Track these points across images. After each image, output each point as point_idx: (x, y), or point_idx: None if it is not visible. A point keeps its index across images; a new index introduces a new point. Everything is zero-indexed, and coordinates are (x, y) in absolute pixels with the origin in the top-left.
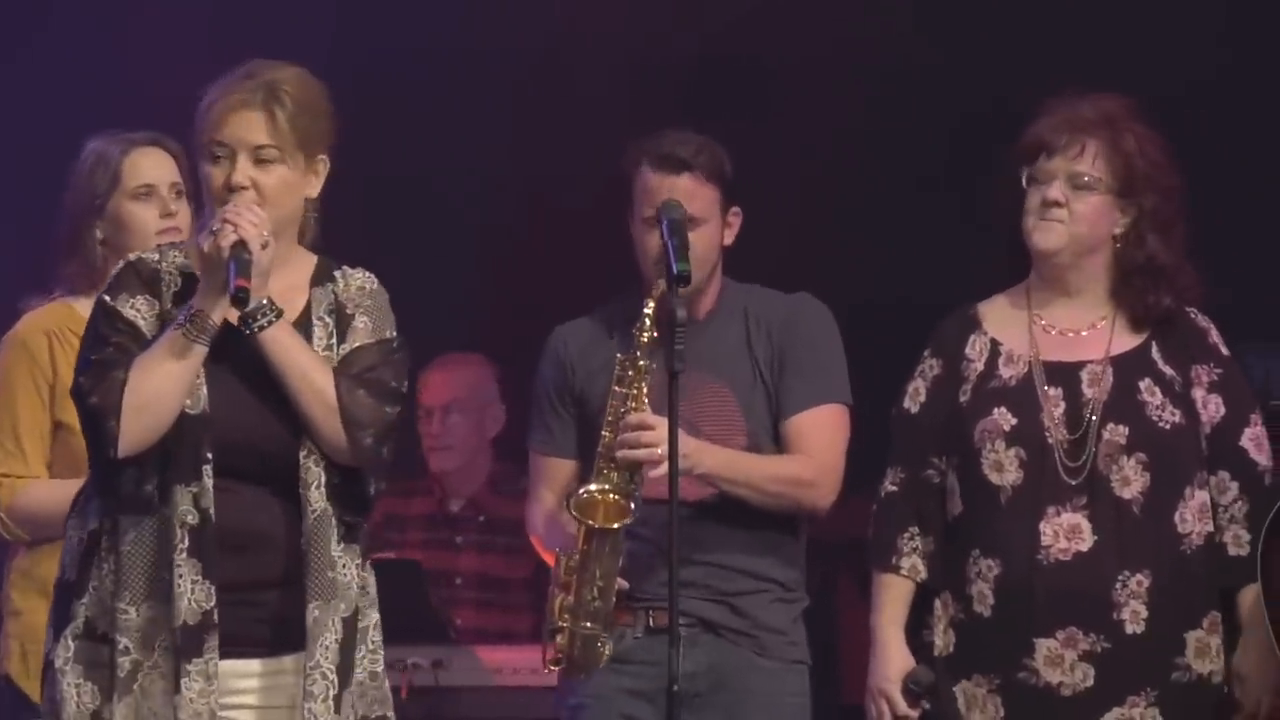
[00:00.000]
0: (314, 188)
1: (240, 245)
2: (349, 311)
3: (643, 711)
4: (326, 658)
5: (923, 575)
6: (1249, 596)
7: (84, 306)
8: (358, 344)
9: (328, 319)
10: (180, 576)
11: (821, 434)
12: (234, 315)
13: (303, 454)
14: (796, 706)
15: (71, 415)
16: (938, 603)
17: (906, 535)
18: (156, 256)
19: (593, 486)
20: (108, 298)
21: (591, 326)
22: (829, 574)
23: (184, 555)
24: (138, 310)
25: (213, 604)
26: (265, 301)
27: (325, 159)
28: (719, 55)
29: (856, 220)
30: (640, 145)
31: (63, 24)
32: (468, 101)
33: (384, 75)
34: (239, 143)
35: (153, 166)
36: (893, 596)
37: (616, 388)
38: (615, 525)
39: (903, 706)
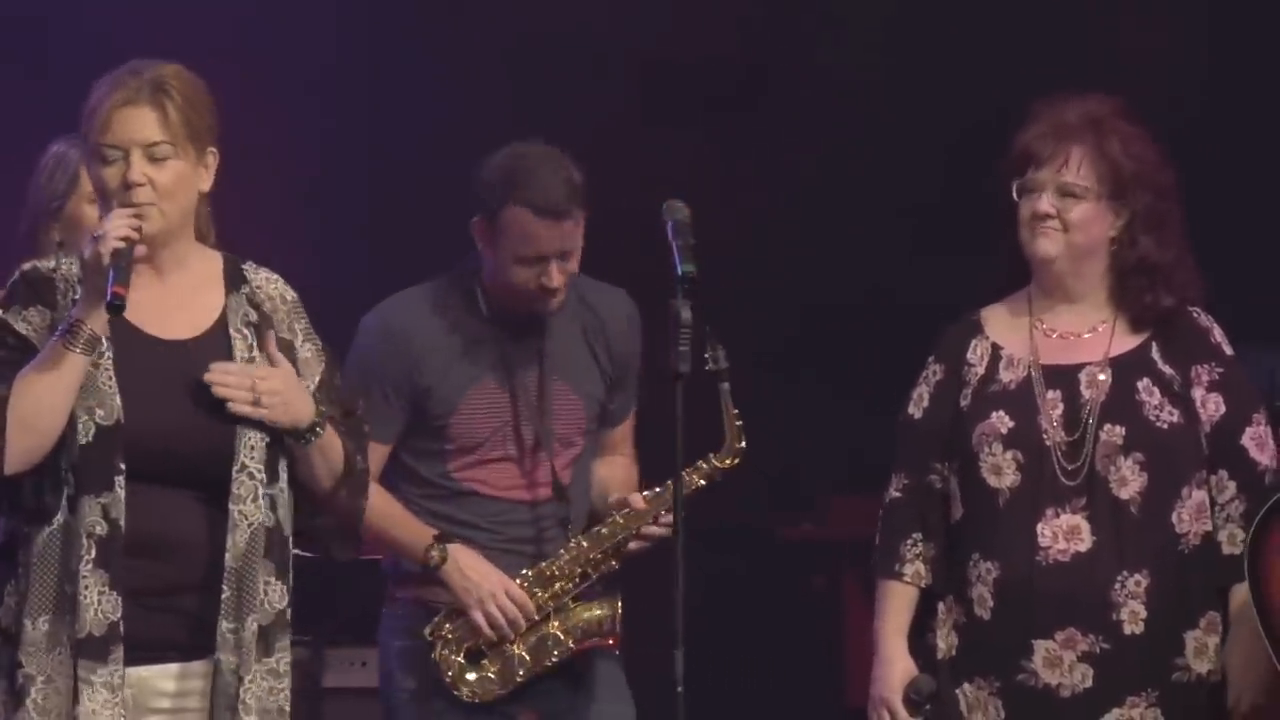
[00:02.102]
0: (206, 181)
1: (121, 252)
2: (279, 330)
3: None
4: (245, 664)
5: (926, 580)
6: (1239, 595)
7: None
8: (318, 379)
9: (246, 331)
10: (86, 588)
11: (632, 438)
12: (102, 324)
13: (236, 468)
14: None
15: None
16: (940, 606)
17: (909, 541)
18: (52, 264)
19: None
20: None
21: (429, 314)
22: (834, 575)
23: (90, 566)
24: (29, 322)
25: (119, 615)
26: (316, 419)
27: (214, 151)
28: (722, 58)
29: (862, 221)
30: (512, 182)
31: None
32: (469, 99)
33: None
34: (131, 141)
35: None
36: (896, 604)
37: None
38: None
39: (904, 716)
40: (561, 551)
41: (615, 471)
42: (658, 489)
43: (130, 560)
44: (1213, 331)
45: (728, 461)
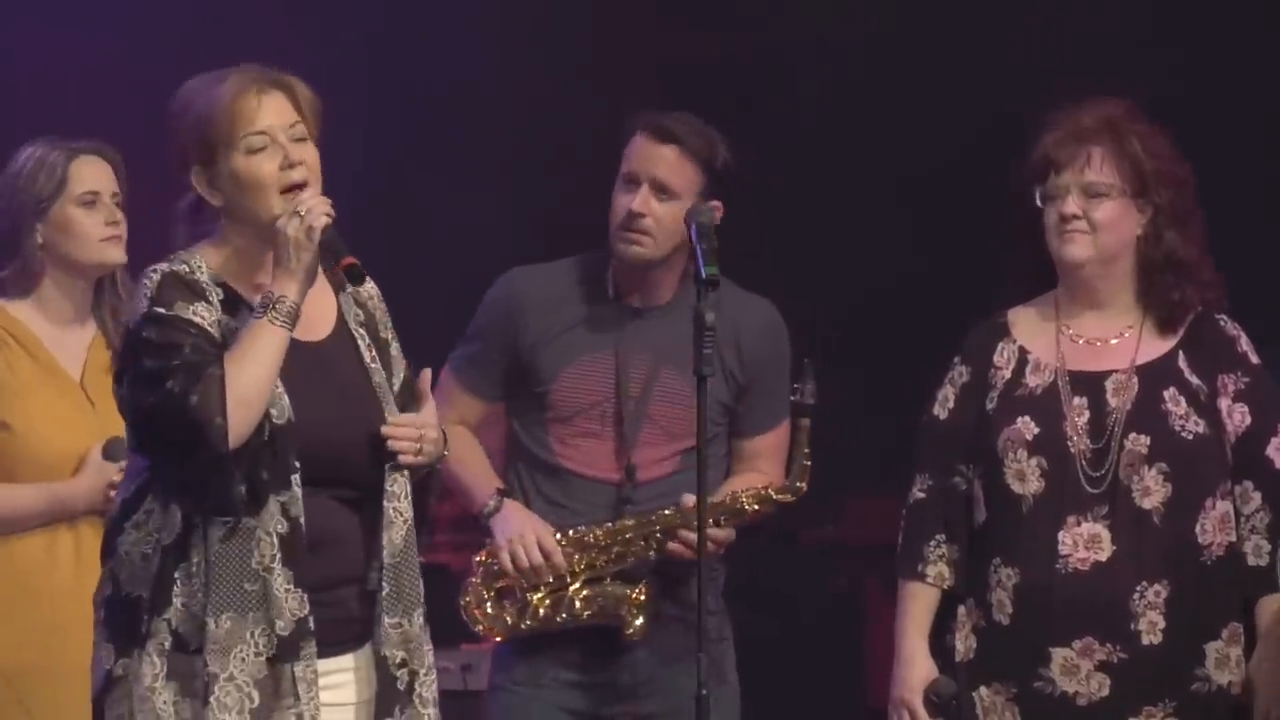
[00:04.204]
0: None
1: (329, 227)
2: (379, 330)
3: (577, 702)
4: (417, 658)
5: (949, 582)
6: (1267, 606)
7: (17, 309)
8: (403, 377)
9: (362, 331)
10: (276, 586)
11: (779, 454)
12: (301, 298)
13: (389, 466)
14: (734, 682)
15: (11, 416)
16: (961, 609)
17: (933, 543)
18: (186, 268)
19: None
20: (161, 309)
21: (553, 282)
22: (856, 578)
23: (279, 564)
24: (201, 316)
25: (307, 611)
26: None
27: None
28: (735, 58)
29: (889, 222)
30: (642, 114)
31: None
32: (489, 100)
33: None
34: (276, 127)
35: (98, 174)
36: (918, 605)
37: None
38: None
39: (924, 717)
40: (608, 524)
41: (744, 483)
42: (714, 500)
43: (307, 558)
44: (1239, 340)
45: (785, 497)
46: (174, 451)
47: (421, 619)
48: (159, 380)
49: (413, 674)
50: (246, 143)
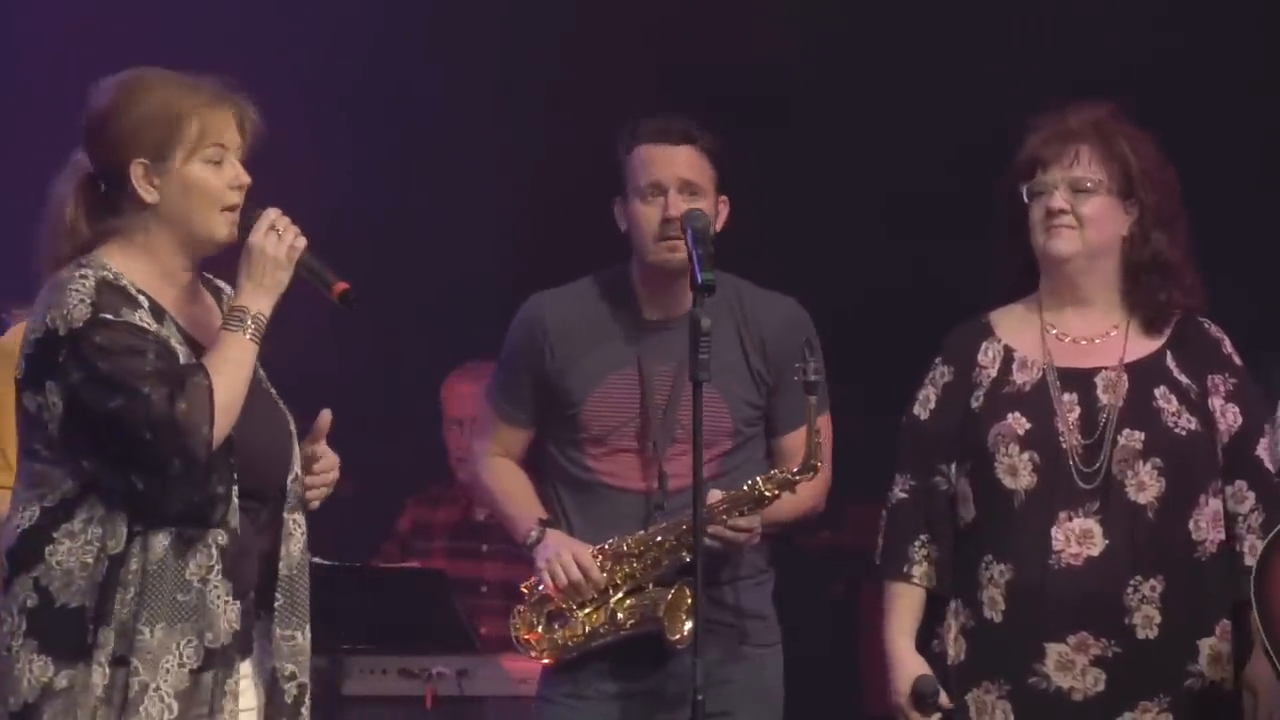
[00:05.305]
0: None
1: (307, 248)
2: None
3: (621, 713)
4: (303, 671)
5: (934, 582)
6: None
7: None
8: None
9: None
10: (216, 597)
11: (822, 450)
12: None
13: (290, 478)
14: (776, 690)
15: None
16: (949, 610)
17: (917, 543)
18: (110, 274)
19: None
20: (108, 315)
21: (575, 304)
22: (853, 582)
23: (219, 575)
24: (146, 322)
25: (240, 624)
26: None
27: None
28: (736, 64)
29: (875, 224)
30: (635, 125)
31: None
32: (493, 102)
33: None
34: (231, 144)
35: None
36: (904, 605)
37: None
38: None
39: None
40: (640, 531)
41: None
42: (733, 491)
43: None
44: (1224, 343)
45: (805, 476)
46: (138, 458)
47: (309, 634)
48: (124, 385)
49: (301, 688)
50: (207, 152)
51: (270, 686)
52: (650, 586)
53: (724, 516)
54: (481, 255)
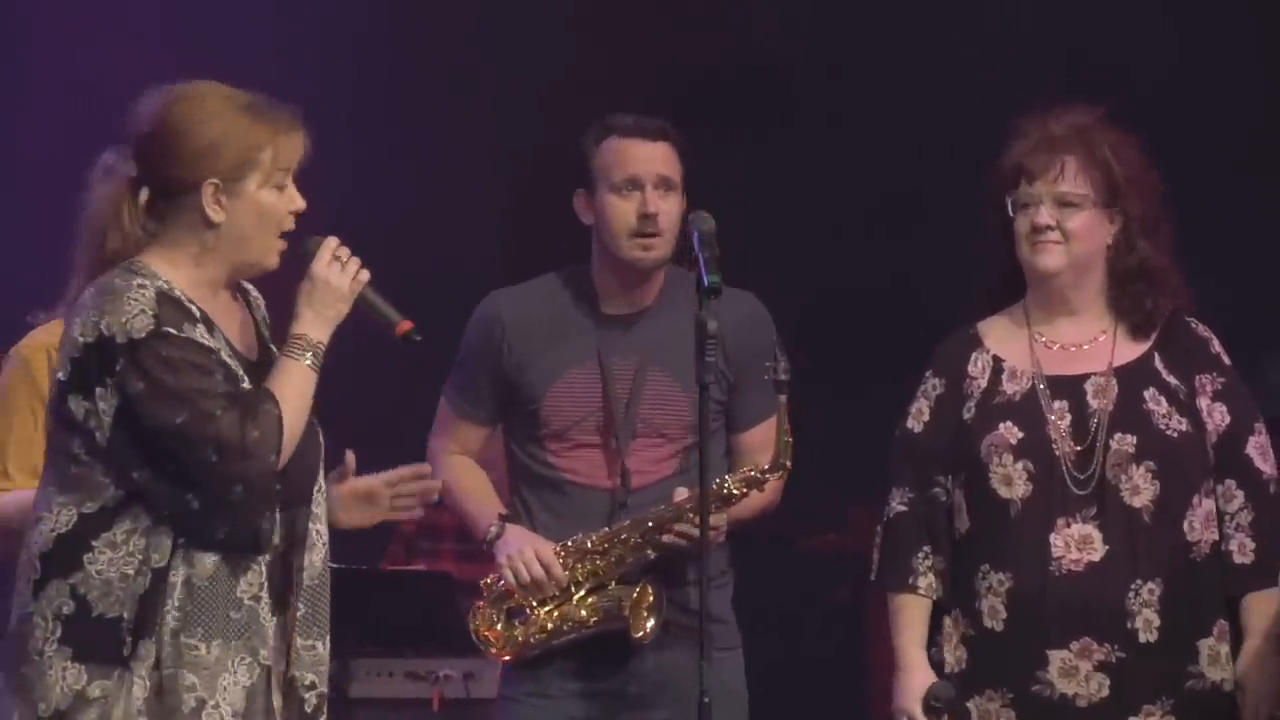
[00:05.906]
0: None
1: (369, 283)
2: (269, 343)
3: (585, 712)
4: (323, 681)
5: (938, 593)
6: (1251, 604)
7: None
8: None
9: (274, 347)
10: (264, 614)
11: (791, 448)
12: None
13: (316, 488)
14: (739, 691)
15: None
16: (947, 621)
17: (920, 555)
18: (165, 285)
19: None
20: (170, 329)
21: (532, 301)
22: (858, 586)
23: (265, 591)
24: (206, 339)
25: (276, 641)
26: None
27: None
28: (734, 65)
29: (869, 227)
30: (604, 121)
31: (70, 35)
32: (496, 103)
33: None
34: (292, 170)
35: None
36: (913, 616)
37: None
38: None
39: None
40: (604, 529)
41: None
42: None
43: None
44: (1212, 342)
45: (773, 476)
46: (198, 477)
47: (329, 645)
48: (191, 403)
49: (320, 697)
50: (279, 178)
51: (291, 696)
52: (613, 584)
53: (691, 515)
54: (482, 255)
